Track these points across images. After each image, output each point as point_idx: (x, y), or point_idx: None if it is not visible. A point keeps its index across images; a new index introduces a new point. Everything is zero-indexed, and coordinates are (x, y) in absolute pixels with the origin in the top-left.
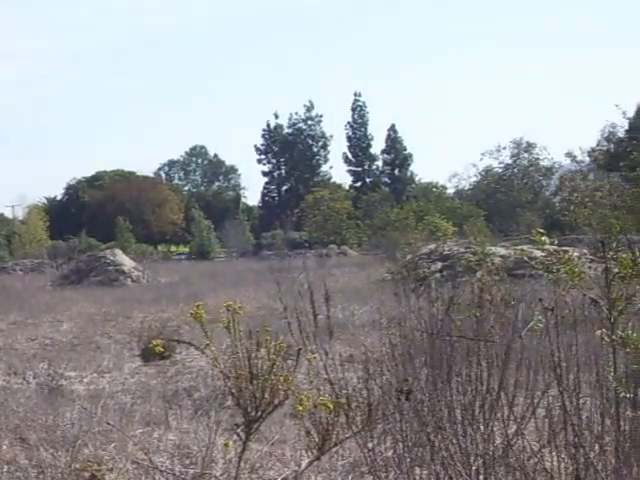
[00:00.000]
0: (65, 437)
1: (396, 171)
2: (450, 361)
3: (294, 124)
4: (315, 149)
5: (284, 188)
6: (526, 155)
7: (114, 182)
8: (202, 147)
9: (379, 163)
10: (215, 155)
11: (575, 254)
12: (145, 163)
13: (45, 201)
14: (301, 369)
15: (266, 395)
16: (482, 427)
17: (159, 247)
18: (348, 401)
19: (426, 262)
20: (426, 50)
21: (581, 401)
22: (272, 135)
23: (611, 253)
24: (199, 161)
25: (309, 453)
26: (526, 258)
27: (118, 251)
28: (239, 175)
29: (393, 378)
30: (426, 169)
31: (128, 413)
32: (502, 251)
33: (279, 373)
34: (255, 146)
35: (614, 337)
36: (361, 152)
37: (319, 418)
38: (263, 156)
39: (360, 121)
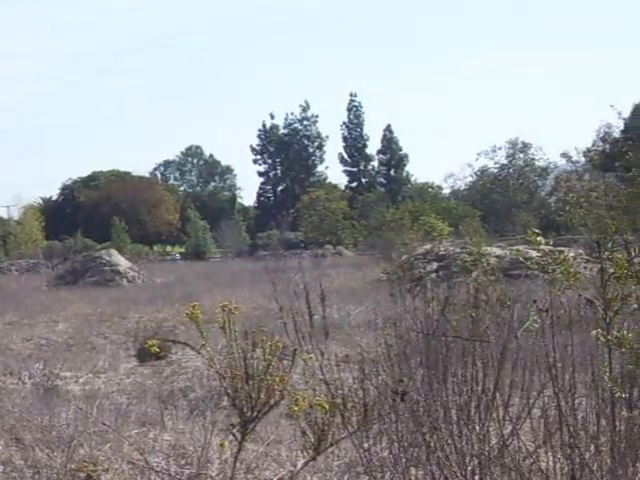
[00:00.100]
0: (61, 437)
1: (392, 171)
2: (446, 361)
3: (290, 124)
4: (311, 149)
5: (280, 188)
6: (522, 155)
7: (110, 182)
8: (198, 147)
9: (375, 163)
10: (211, 155)
11: (571, 254)
12: (141, 163)
13: (41, 201)
14: (297, 369)
15: (262, 395)
16: (478, 427)
17: (155, 247)
18: (344, 401)
19: (422, 262)
20: (422, 50)
21: (577, 401)
22: (268, 135)
23: (606, 253)
24: (195, 161)
25: (305, 453)
26: (521, 258)
27: (114, 251)
28: (235, 175)
29: (389, 378)
30: (422, 169)
31: (124, 413)
32: (498, 251)
33: (275, 373)
34: (251, 146)
35: (609, 337)
36: (357, 152)
37: (315, 418)
38: (259, 156)
39: (356, 121)
